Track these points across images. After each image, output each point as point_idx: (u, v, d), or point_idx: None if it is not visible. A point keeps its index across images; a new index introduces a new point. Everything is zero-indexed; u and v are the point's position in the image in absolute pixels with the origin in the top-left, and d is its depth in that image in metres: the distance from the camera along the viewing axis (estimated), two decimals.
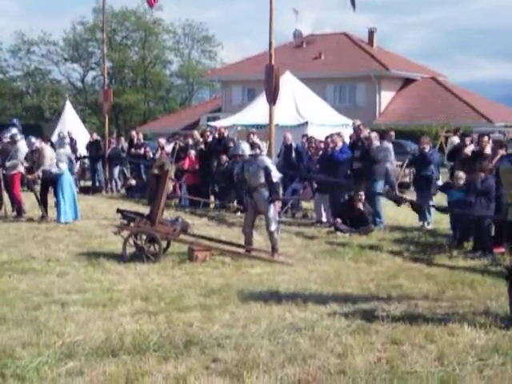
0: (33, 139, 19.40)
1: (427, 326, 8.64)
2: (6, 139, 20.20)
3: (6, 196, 19.48)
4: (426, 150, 17.75)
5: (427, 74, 59.70)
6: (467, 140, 16.79)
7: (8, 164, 19.16)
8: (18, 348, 7.66)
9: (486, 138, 15.81)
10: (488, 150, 15.45)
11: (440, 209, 16.38)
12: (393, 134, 24.12)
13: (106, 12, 33.42)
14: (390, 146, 21.29)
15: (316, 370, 7.06)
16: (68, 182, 18.59)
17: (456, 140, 19.91)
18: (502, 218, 11.53)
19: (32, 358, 7.34)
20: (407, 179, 22.18)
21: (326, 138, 19.72)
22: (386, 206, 18.40)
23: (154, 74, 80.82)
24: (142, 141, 27.78)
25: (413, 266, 12.75)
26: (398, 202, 17.78)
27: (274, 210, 13.66)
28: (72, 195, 18.48)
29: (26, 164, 19.09)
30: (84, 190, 25.95)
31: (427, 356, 7.56)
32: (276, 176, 13.44)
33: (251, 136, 21.49)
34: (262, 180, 13.35)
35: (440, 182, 18.38)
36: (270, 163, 13.79)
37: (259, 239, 14.92)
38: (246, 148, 13.90)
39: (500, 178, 9.73)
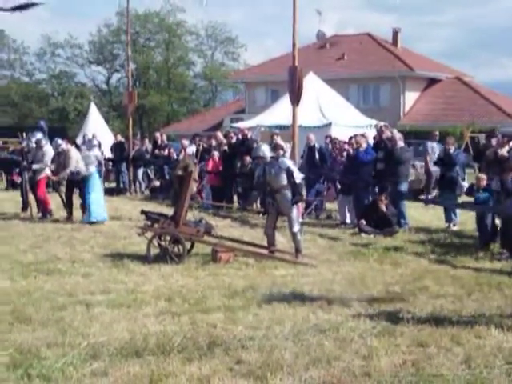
0: (59, 141, 19.49)
1: (453, 328, 8.59)
2: (32, 143, 20.34)
3: (31, 197, 19.61)
4: (451, 151, 17.68)
5: (452, 74, 59.41)
6: (493, 141, 16.70)
7: (35, 167, 19.28)
8: (43, 348, 7.70)
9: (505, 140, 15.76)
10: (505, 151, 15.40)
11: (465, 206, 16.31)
12: (437, 133, 23.94)
13: (129, 14, 33.52)
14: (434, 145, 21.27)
15: (340, 373, 7.03)
16: (96, 183, 18.73)
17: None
18: None
19: (57, 358, 7.37)
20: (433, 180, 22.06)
21: (350, 138, 19.72)
22: (411, 208, 18.32)
23: (177, 76, 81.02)
24: (166, 142, 27.84)
25: (438, 268, 12.69)
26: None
27: (296, 211, 13.65)
28: (100, 196, 18.60)
29: (52, 167, 19.20)
30: (108, 192, 26.00)
31: (453, 359, 7.51)
32: (298, 177, 13.40)
33: (274, 137, 21.47)
34: (285, 182, 13.32)
35: (466, 183, 18.26)
36: (292, 164, 13.76)
37: (283, 240, 14.90)
38: (266, 150, 13.87)
39: None
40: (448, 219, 17.45)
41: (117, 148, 29.34)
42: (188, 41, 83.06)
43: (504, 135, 17.17)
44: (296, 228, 13.35)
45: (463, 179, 18.13)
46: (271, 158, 13.69)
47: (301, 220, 17.36)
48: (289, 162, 13.69)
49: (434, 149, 22.06)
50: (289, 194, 13.30)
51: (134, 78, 74.47)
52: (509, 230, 13.80)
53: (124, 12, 36.66)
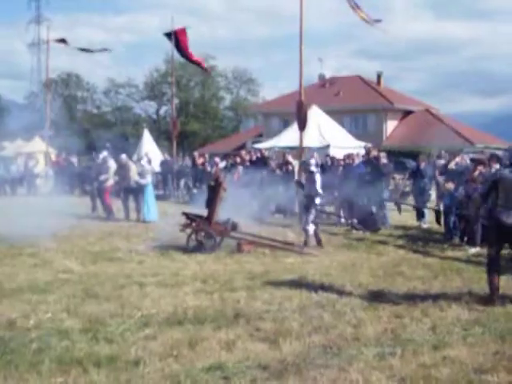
0: (122, 156, 19.61)
1: (423, 303, 8.56)
2: (99, 160, 20.46)
3: (98, 202, 19.71)
4: (422, 167, 17.69)
5: (423, 107, 59.32)
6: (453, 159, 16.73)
7: (101, 178, 19.39)
8: (107, 318, 7.74)
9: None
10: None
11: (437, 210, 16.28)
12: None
13: (174, 61, 33.61)
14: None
15: (336, 338, 7.03)
16: (151, 190, 18.83)
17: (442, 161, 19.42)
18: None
19: (118, 325, 7.40)
20: (407, 189, 21.94)
21: (345, 156, 19.74)
22: (391, 210, 18.29)
23: (211, 108, 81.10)
24: (202, 159, 27.83)
25: (412, 257, 12.65)
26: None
27: (314, 213, 13.69)
28: (153, 201, 18.68)
29: (116, 178, 19.29)
30: (157, 198, 26.01)
31: (423, 327, 7.50)
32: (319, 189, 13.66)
33: (286, 155, 21.47)
34: (314, 190, 13.51)
35: (432, 192, 18.21)
36: (319, 179, 13.86)
37: (292, 235, 14.89)
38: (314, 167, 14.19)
39: (500, 185, 8.61)
40: (419, 219, 17.41)
41: (164, 164, 29.42)
42: (219, 81, 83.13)
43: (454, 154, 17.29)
44: (308, 226, 13.40)
45: (429, 189, 18.06)
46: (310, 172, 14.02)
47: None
48: (318, 178, 13.84)
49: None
50: (315, 199, 13.61)
51: (178, 110, 74.60)
52: (470, 227, 13.71)
53: (170, 60, 36.77)
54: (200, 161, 27.28)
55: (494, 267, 8.74)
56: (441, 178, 16.42)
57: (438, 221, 16.44)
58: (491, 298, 8.61)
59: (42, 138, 37.86)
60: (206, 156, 28.54)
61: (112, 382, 5.70)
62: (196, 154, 28.97)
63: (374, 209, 16.62)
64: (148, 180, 18.83)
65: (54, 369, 6.00)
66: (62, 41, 31.38)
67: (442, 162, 18.35)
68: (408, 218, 18.24)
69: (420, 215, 17.45)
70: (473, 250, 13.08)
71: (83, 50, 31.88)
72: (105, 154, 20.58)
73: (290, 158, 21.06)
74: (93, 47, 32.63)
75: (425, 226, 17.15)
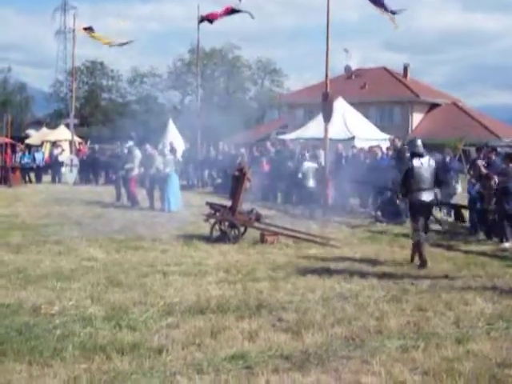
0: (147, 146, 19.72)
1: (447, 297, 8.54)
2: (125, 149, 20.61)
3: (123, 191, 19.84)
4: (447, 160, 17.56)
5: (449, 100, 58.82)
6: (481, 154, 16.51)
7: (127, 167, 19.51)
8: (130, 306, 7.80)
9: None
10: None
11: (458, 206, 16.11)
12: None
13: (199, 51, 33.66)
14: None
15: (359, 330, 7.03)
16: (175, 180, 18.91)
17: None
18: None
19: (141, 313, 7.46)
20: None
21: (369, 148, 19.70)
22: None
23: (235, 99, 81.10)
24: (227, 150, 27.84)
25: (436, 250, 12.56)
26: None
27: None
28: (177, 191, 18.76)
29: (141, 168, 19.41)
30: (181, 188, 26.09)
31: (446, 320, 7.48)
32: None
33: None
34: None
35: (459, 185, 18.03)
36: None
37: (315, 227, 14.89)
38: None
39: (412, 172, 10.76)
40: (445, 212, 17.29)
41: (186, 154, 29.47)
42: (243, 71, 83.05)
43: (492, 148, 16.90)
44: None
45: (456, 182, 17.88)
46: None
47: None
48: None
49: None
50: None
51: (202, 100, 74.63)
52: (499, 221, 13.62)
53: (195, 49, 36.82)
54: (225, 150, 27.30)
55: (419, 237, 10.70)
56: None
57: (456, 216, 16.26)
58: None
59: (67, 127, 38.16)
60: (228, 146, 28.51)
61: (135, 369, 5.75)
62: (221, 143, 28.96)
63: (398, 201, 16.54)
64: (171, 169, 18.91)
65: (77, 355, 6.07)
66: (89, 29, 31.53)
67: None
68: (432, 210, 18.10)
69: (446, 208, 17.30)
70: (506, 245, 12.99)
71: (108, 43, 31.97)
72: (130, 143, 20.72)
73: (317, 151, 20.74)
74: (116, 40, 32.53)
75: (450, 219, 17.03)
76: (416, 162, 10.86)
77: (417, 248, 10.81)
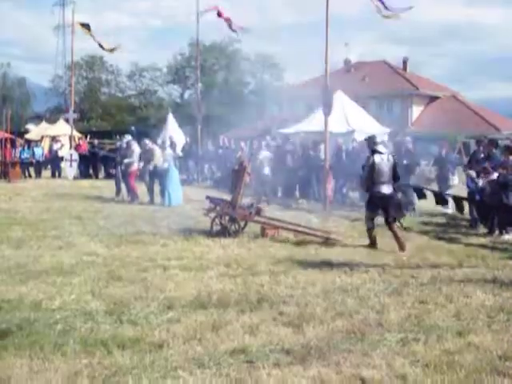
0: (146, 141, 19.71)
1: (447, 289, 8.55)
2: (124, 143, 20.60)
3: (123, 185, 19.82)
4: (443, 153, 17.61)
5: (448, 93, 58.82)
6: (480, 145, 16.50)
7: (126, 161, 19.50)
8: (131, 300, 7.81)
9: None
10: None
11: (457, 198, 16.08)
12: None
13: (198, 45, 33.61)
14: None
15: (359, 323, 7.04)
16: (175, 175, 18.89)
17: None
18: None
19: (142, 308, 7.47)
20: (432, 175, 21.82)
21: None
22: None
23: (235, 92, 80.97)
24: (227, 144, 27.81)
25: (437, 243, 12.60)
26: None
27: None
28: (178, 185, 18.75)
29: (141, 163, 19.40)
30: (181, 182, 26.06)
31: (447, 313, 7.49)
32: None
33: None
34: None
35: (456, 177, 18.04)
36: None
37: (316, 220, 14.88)
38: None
39: (374, 167, 11.66)
40: (442, 205, 17.26)
41: (186, 148, 29.45)
42: (243, 65, 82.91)
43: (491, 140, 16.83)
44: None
45: (453, 174, 17.88)
46: None
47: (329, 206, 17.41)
48: None
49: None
50: None
51: (202, 94, 74.56)
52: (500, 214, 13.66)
53: (194, 43, 36.78)
54: (225, 145, 27.28)
55: (372, 225, 12.02)
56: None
57: (458, 208, 16.25)
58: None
59: (66, 121, 38.13)
60: (228, 140, 28.47)
61: (136, 364, 5.75)
62: (222, 137, 28.91)
63: (397, 195, 16.55)
64: (171, 164, 18.90)
65: (78, 350, 6.08)
66: (86, 26, 31.46)
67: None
68: (433, 204, 18.09)
69: (441, 202, 17.28)
70: (506, 237, 13.01)
71: (99, 45, 31.91)
72: (129, 137, 20.70)
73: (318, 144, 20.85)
74: (108, 44, 32.45)
75: (449, 211, 17.04)
76: (377, 157, 11.74)
77: (369, 234, 12.00)
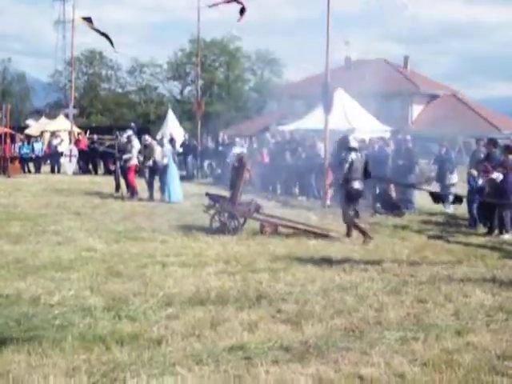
0: (146, 137, 19.69)
1: (446, 288, 8.55)
2: (124, 139, 20.58)
3: (122, 181, 19.80)
4: (443, 152, 17.63)
5: (449, 92, 58.79)
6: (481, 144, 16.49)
7: (125, 157, 19.49)
8: (130, 296, 7.80)
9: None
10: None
11: (457, 197, 16.05)
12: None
13: (199, 42, 33.58)
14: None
15: (358, 321, 7.03)
16: (174, 171, 18.88)
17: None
18: None
19: (140, 304, 7.46)
20: (433, 174, 21.82)
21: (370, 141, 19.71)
22: (416, 195, 18.13)
23: (235, 90, 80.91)
24: (227, 141, 27.77)
25: (436, 242, 12.59)
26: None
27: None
28: (177, 181, 18.74)
29: (140, 158, 19.40)
30: (180, 179, 26.03)
31: (446, 312, 7.49)
32: None
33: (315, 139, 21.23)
34: None
35: (455, 175, 18.01)
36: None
37: (315, 218, 14.88)
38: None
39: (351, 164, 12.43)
40: (444, 204, 17.26)
41: (186, 145, 29.41)
42: (243, 62, 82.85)
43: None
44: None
45: (452, 172, 17.85)
46: None
47: (328, 203, 17.40)
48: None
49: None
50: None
51: (202, 90, 74.52)
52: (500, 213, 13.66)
53: (195, 40, 36.72)
54: (225, 142, 27.24)
55: (353, 217, 12.61)
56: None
57: (457, 201, 16.19)
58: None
59: (66, 117, 38.09)
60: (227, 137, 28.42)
61: (134, 360, 5.75)
62: (221, 134, 28.90)
63: (394, 194, 16.59)
64: (170, 160, 18.88)
65: (76, 346, 6.07)
66: (88, 19, 31.36)
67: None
68: (433, 202, 18.09)
69: (440, 200, 17.27)
70: (506, 237, 13.02)
71: (103, 34, 31.60)
72: (129, 132, 20.70)
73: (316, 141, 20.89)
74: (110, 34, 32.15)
75: (449, 211, 17.04)
76: (353, 155, 12.53)
77: (356, 227, 12.59)
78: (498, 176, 13.42)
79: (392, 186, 16.68)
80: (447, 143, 18.70)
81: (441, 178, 17.77)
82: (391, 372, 5.63)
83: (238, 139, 25.65)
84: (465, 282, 8.98)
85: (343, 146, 13.01)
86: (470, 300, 8.02)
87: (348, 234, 12.80)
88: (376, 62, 61.11)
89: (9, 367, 5.56)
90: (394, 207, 16.37)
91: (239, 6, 26.19)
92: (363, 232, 12.44)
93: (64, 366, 5.60)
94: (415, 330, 6.77)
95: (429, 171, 21.25)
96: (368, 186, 18.09)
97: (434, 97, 57.89)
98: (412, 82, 56.75)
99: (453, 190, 17.37)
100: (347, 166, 12.46)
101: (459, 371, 5.65)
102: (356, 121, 28.64)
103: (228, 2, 27.04)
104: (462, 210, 16.15)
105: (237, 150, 22.92)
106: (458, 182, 17.92)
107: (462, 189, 16.59)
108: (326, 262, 10.18)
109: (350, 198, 12.65)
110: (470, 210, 14.97)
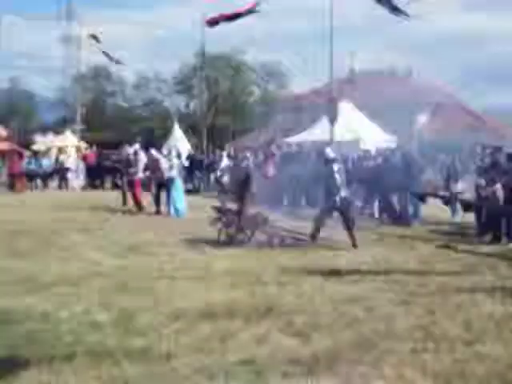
0: (152, 151, 19.73)
1: (456, 299, 8.49)
2: (131, 153, 20.64)
3: (129, 196, 19.82)
4: (450, 160, 17.64)
5: (454, 101, 58.75)
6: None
7: (131, 171, 19.52)
8: (138, 311, 7.76)
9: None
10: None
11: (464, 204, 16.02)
12: None
13: (204, 55, 33.70)
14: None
15: (368, 333, 6.98)
16: (180, 185, 18.89)
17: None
18: None
19: (149, 319, 7.43)
20: (440, 183, 21.79)
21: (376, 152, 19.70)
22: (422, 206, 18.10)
23: (240, 102, 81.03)
24: (233, 153, 27.79)
25: (444, 252, 12.54)
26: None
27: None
28: (182, 195, 18.75)
29: (147, 173, 19.44)
30: (187, 192, 26.07)
31: (456, 323, 7.42)
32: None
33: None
34: None
35: (463, 185, 17.98)
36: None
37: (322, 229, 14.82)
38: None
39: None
40: (452, 213, 17.24)
41: (191, 158, 29.47)
42: (248, 75, 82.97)
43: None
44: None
45: (458, 181, 17.83)
46: None
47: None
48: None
49: None
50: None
51: (207, 104, 74.63)
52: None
53: (200, 54, 36.86)
54: (232, 155, 27.26)
55: (322, 220, 13.25)
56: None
57: (465, 210, 16.17)
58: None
59: (73, 132, 38.24)
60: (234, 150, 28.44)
61: (145, 375, 5.72)
62: (230, 147, 28.88)
63: (397, 204, 16.63)
64: (176, 174, 18.89)
65: (86, 362, 6.05)
66: (94, 37, 31.48)
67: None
68: (440, 211, 18.05)
69: (453, 208, 17.26)
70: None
71: (106, 54, 31.75)
72: (136, 146, 20.78)
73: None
74: (114, 56, 32.30)
75: (456, 220, 16.99)
76: (335, 166, 13.12)
77: (316, 229, 13.14)
78: (497, 188, 13.51)
79: (395, 198, 16.65)
80: (454, 152, 18.72)
81: (448, 186, 17.75)
82: None
83: (248, 153, 25.60)
84: (474, 291, 8.91)
85: (323, 159, 13.52)
86: (480, 310, 7.96)
87: (354, 245, 12.79)
88: (381, 73, 61.30)
89: None
90: (401, 218, 16.33)
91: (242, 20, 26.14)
92: (314, 236, 13.03)
93: (74, 383, 5.57)
94: (425, 340, 6.72)
95: (435, 180, 21.25)
96: (373, 198, 18.18)
97: (439, 106, 57.89)
98: (417, 91, 56.78)
99: (461, 198, 17.32)
100: (335, 175, 12.97)
101: (471, 382, 5.60)
102: (361, 131, 28.63)
103: (230, 19, 27.06)
104: (469, 218, 16.08)
105: (225, 162, 23.94)
106: (465, 190, 17.86)
107: (469, 197, 16.51)
108: (335, 273, 10.13)
109: (332, 205, 13.13)
110: (477, 219, 14.92)
